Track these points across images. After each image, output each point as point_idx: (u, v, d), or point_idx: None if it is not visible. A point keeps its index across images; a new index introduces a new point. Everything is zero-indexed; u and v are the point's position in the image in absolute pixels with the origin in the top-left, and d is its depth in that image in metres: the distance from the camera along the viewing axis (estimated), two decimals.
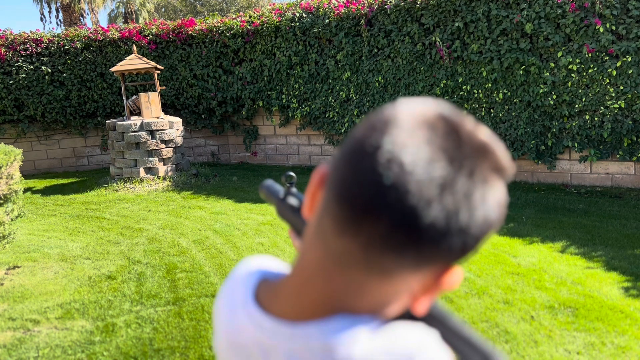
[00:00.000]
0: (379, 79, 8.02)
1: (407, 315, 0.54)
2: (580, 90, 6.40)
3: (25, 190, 7.74)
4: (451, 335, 0.54)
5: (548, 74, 6.54)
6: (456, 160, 0.44)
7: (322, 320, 0.51)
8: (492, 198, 0.45)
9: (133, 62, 8.11)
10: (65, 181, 9.01)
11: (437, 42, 7.21)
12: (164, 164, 8.20)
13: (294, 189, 0.74)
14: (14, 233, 4.92)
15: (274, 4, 9.52)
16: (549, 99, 6.58)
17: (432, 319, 0.55)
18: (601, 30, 6.04)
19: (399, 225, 0.42)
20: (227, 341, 0.61)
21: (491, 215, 0.45)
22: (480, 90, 7.14)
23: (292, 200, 0.73)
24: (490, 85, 7.02)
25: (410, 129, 0.45)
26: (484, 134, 0.46)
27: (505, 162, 0.47)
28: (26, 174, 9.51)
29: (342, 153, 0.47)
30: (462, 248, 0.45)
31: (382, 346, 0.49)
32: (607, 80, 6.19)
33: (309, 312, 0.52)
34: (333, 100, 8.64)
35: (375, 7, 7.79)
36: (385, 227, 0.43)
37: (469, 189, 0.43)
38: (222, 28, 9.29)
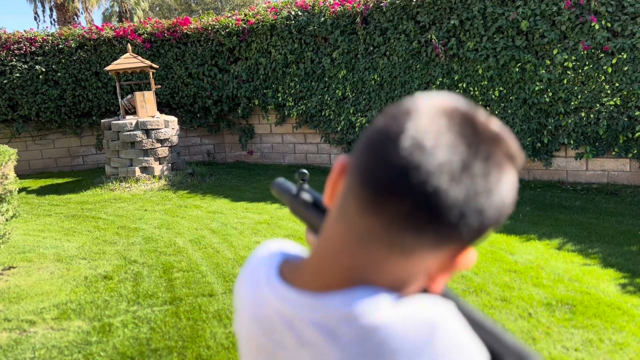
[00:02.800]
0: (375, 77, 8.01)
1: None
2: (576, 88, 6.41)
3: (20, 191, 7.70)
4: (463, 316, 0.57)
5: (544, 71, 6.54)
6: (473, 145, 0.47)
7: (345, 290, 0.53)
8: (506, 182, 0.48)
9: (128, 61, 8.07)
10: (60, 181, 8.97)
11: (433, 40, 7.21)
12: (160, 163, 8.17)
13: (306, 186, 0.75)
14: (9, 233, 4.89)
15: (269, 2, 9.49)
16: (545, 96, 6.59)
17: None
18: (596, 27, 6.05)
19: (420, 205, 0.45)
20: (250, 316, 0.63)
21: (506, 198, 0.48)
22: (476, 88, 7.14)
23: (306, 196, 0.74)
24: (486, 82, 7.02)
25: (431, 116, 0.48)
26: (496, 124, 0.50)
27: (516, 150, 0.50)
28: (21, 174, 9.45)
29: (363, 143, 0.51)
30: (479, 229, 0.48)
31: (404, 314, 0.50)
32: (603, 78, 6.20)
33: (332, 285, 0.54)
34: (329, 99, 8.62)
35: (371, 5, 7.77)
36: (407, 207, 0.46)
37: (486, 172, 0.47)
38: (217, 26, 9.26)
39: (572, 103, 6.45)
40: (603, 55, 6.14)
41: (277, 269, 0.63)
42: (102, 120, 8.42)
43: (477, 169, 0.46)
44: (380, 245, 0.49)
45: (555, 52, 6.39)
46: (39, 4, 22.58)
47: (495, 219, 0.48)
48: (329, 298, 0.53)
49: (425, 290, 0.55)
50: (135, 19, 24.91)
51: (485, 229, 0.48)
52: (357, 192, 0.49)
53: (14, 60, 9.42)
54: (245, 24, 9.08)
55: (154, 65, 8.33)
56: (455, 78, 7.24)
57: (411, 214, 0.46)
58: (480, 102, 7.17)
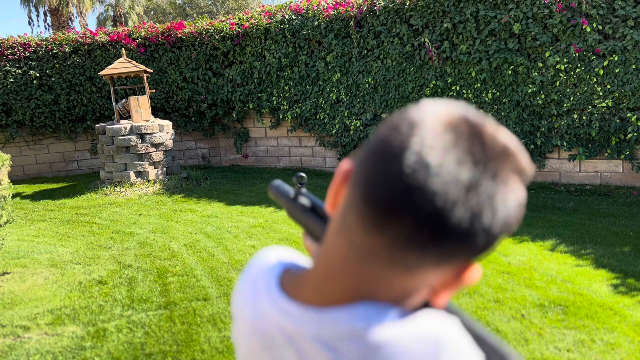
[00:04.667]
0: (369, 80, 8.03)
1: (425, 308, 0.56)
2: (568, 90, 6.45)
3: (14, 196, 7.68)
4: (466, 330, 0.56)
5: (536, 73, 6.59)
6: (480, 162, 0.45)
7: (349, 306, 0.52)
8: (513, 199, 0.46)
9: (122, 65, 8.07)
10: (54, 186, 8.94)
11: (426, 43, 7.25)
12: (155, 168, 8.16)
13: (304, 189, 0.74)
14: (3, 239, 4.87)
15: (263, 6, 9.51)
16: (538, 98, 6.63)
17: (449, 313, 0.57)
18: (588, 29, 6.10)
19: (424, 226, 0.44)
20: (249, 329, 0.62)
21: (512, 215, 0.47)
22: (469, 91, 7.18)
23: (304, 201, 0.73)
24: (479, 85, 7.06)
25: (436, 131, 0.46)
26: (505, 136, 0.48)
27: (525, 164, 0.48)
28: (15, 179, 9.42)
29: (367, 153, 0.49)
30: (484, 246, 0.47)
31: (409, 331, 0.50)
32: (595, 80, 6.25)
33: (335, 300, 0.53)
34: (323, 102, 8.64)
35: (364, 8, 7.81)
36: (410, 226, 0.44)
37: (493, 191, 0.45)
38: (211, 31, 9.28)
39: (565, 105, 6.50)
40: (594, 57, 6.19)
41: (278, 280, 0.61)
42: (96, 125, 8.42)
43: (484, 188, 0.44)
44: (383, 262, 0.48)
45: (547, 54, 6.43)
46: (33, 9, 22.54)
47: (500, 235, 0.47)
48: (332, 314, 0.52)
49: (427, 303, 0.54)
50: (130, 23, 24.88)
51: (490, 245, 0.47)
52: (358, 208, 0.47)
53: (8, 65, 9.40)
54: (239, 28, 9.10)
55: (148, 70, 8.33)
56: (449, 81, 7.28)
57: (414, 234, 0.44)
58: (474, 105, 7.21)
